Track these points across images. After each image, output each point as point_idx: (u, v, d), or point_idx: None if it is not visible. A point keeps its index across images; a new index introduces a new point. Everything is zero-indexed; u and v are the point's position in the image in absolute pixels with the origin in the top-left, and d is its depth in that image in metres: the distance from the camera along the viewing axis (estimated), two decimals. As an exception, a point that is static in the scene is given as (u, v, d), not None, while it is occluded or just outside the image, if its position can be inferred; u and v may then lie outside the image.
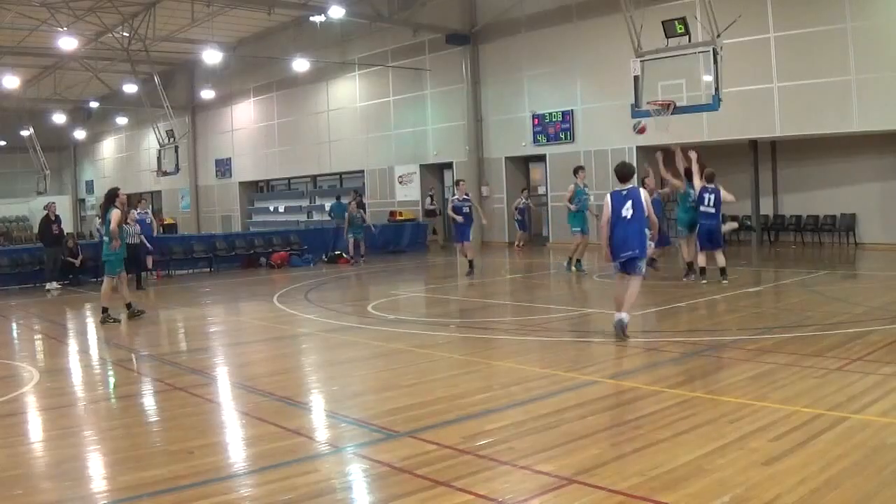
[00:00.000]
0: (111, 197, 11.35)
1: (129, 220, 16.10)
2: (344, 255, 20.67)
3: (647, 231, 8.49)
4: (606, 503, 3.92)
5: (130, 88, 28.74)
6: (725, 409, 5.42)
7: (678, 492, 3.96)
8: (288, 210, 33.24)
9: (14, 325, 11.63)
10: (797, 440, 4.67)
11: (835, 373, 6.36)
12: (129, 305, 11.42)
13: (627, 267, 8.34)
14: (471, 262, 14.80)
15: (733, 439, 4.74)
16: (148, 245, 16.54)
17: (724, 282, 12.09)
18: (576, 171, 15.24)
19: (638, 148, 20.83)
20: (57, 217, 17.59)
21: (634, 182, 8.52)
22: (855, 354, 6.98)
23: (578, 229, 14.83)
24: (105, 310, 10.98)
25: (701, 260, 12.42)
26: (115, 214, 11.13)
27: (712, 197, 12.14)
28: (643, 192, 8.37)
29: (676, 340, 8.34)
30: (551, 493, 4.07)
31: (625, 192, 8.37)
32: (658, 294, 11.87)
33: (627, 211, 8.27)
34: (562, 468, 4.38)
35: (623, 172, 8.48)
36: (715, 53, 13.53)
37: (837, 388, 5.84)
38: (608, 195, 8.47)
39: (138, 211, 18.41)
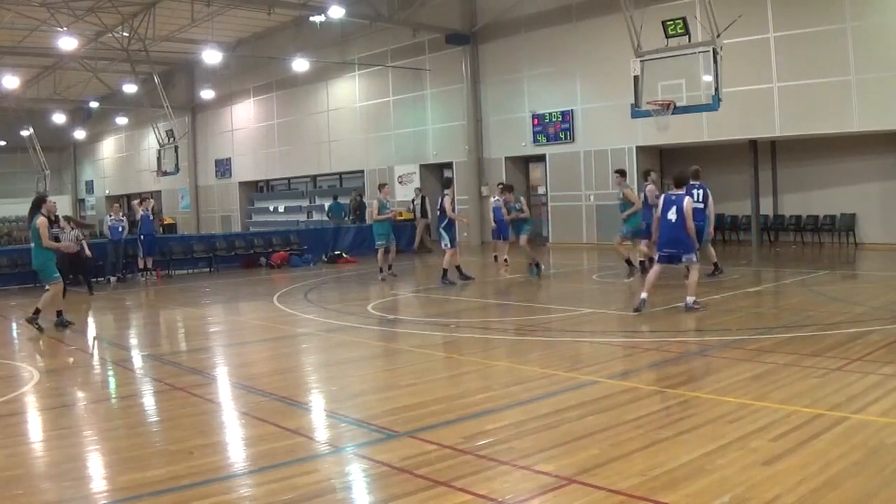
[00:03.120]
0: (38, 203, 10.56)
1: (63, 227, 15.40)
2: (344, 255, 20.66)
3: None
4: (606, 503, 3.93)
5: (130, 88, 28.72)
6: (725, 409, 5.42)
7: (678, 492, 3.96)
8: (288, 210, 33.25)
9: (14, 325, 11.62)
10: (797, 440, 4.67)
11: (835, 373, 6.36)
12: (37, 311, 10.31)
13: (670, 260, 9.91)
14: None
15: (733, 439, 4.74)
16: (87, 251, 15.44)
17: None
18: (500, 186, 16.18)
19: (638, 148, 20.87)
20: (57, 217, 17.58)
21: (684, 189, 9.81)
22: (855, 354, 6.98)
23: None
24: (37, 311, 10.28)
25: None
26: (42, 224, 10.26)
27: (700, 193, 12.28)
28: (685, 202, 9.57)
29: (676, 340, 8.35)
30: (551, 493, 4.07)
31: (674, 198, 9.65)
32: (658, 294, 11.86)
33: (673, 215, 9.57)
34: (562, 468, 4.39)
35: (679, 179, 9.84)
36: (715, 53, 13.53)
37: (837, 388, 5.84)
38: (663, 196, 9.97)
39: (142, 209, 18.43)
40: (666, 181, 12.99)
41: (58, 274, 10.60)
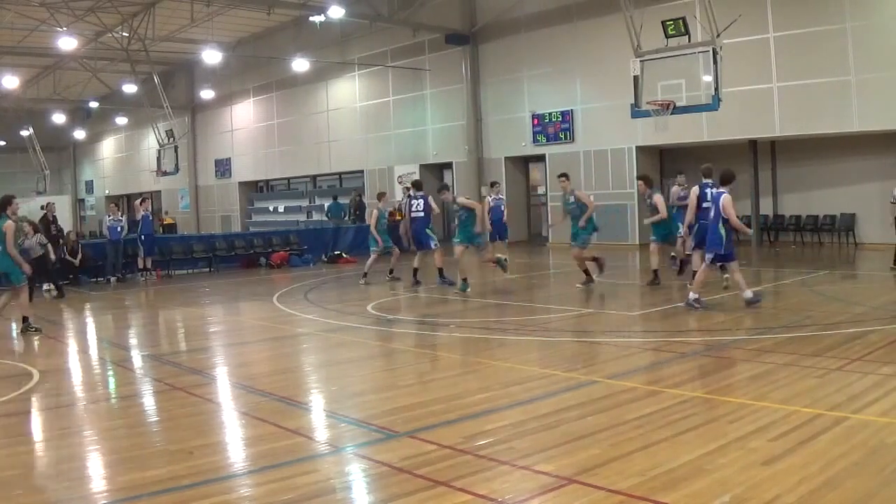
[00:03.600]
0: (2, 205, 10.09)
1: (27, 232, 14.66)
2: (344, 255, 20.66)
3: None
4: (606, 503, 3.93)
5: (130, 88, 28.75)
6: (725, 409, 5.42)
7: (678, 492, 3.96)
8: (287, 210, 33.26)
9: (14, 325, 11.62)
10: (797, 440, 4.67)
11: (835, 373, 6.36)
12: (24, 319, 10.35)
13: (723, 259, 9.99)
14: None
15: (733, 439, 4.74)
16: (52, 256, 15.04)
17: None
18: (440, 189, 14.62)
19: (638, 148, 20.87)
20: (54, 217, 17.62)
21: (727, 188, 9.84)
22: (855, 354, 6.98)
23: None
24: (25, 319, 10.32)
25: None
26: (8, 228, 9.99)
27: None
28: (723, 199, 9.62)
29: (676, 340, 8.35)
30: (551, 493, 4.07)
31: (715, 194, 9.83)
32: (658, 294, 11.88)
33: (711, 211, 9.84)
34: (562, 468, 4.38)
35: (725, 176, 9.93)
36: (715, 53, 13.55)
37: (837, 388, 5.85)
38: (711, 194, 10.17)
39: (143, 210, 18.43)
40: (670, 181, 12.92)
41: (24, 277, 10.49)
